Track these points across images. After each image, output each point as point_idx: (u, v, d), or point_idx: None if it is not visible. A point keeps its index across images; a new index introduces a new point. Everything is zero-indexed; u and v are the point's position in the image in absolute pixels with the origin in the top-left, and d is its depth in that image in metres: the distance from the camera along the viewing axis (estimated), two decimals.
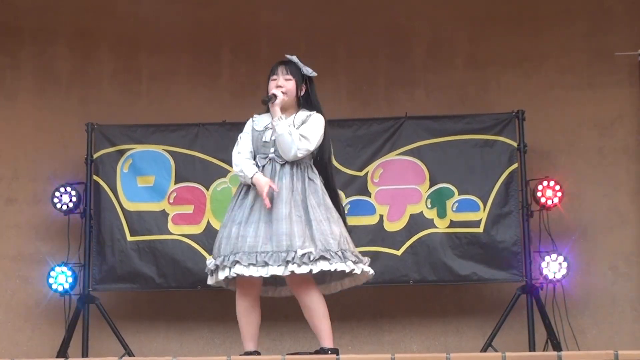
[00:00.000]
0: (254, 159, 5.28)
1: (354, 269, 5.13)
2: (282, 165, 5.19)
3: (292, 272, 5.00)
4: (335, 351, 5.06)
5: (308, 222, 5.10)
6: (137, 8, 7.82)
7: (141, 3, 7.85)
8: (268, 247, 5.03)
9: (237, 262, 5.01)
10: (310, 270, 5.01)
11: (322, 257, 5.02)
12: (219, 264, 5.09)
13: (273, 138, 5.22)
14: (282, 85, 5.24)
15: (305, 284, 5.11)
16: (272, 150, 5.22)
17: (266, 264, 5.00)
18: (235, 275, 5.04)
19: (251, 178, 5.16)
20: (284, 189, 5.12)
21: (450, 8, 7.78)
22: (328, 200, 5.22)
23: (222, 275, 5.09)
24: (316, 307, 5.12)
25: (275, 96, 5.19)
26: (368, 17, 7.79)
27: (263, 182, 5.11)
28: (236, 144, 5.37)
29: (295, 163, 5.20)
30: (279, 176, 5.17)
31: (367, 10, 7.79)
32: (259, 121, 5.35)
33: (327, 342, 5.14)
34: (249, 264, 5.00)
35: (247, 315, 5.20)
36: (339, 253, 5.08)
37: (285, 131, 5.12)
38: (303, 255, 4.99)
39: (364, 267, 5.21)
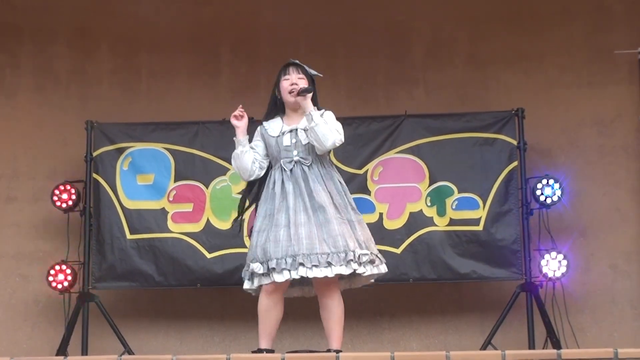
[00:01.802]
0: (272, 167, 5.35)
1: (385, 271, 5.35)
2: (310, 167, 5.27)
3: (354, 271, 5.12)
4: (338, 352, 5.08)
5: (351, 224, 5.23)
6: (137, 7, 7.82)
7: (141, 2, 7.85)
8: (326, 248, 5.10)
9: (301, 264, 5.06)
10: (364, 271, 5.17)
11: (371, 261, 5.22)
12: (275, 267, 5.09)
13: (294, 141, 5.29)
14: (297, 83, 5.31)
15: (332, 286, 5.21)
16: (295, 152, 5.29)
17: (330, 264, 5.08)
18: (298, 277, 5.09)
19: (237, 139, 5.35)
20: (321, 192, 5.21)
21: (450, 7, 7.78)
22: (350, 198, 5.36)
23: (281, 278, 5.09)
24: (336, 310, 5.23)
25: (307, 89, 5.26)
26: (368, 16, 7.80)
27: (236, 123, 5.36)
28: None
29: (320, 163, 5.29)
30: (311, 178, 5.24)
31: (366, 9, 7.79)
32: (271, 127, 5.40)
33: (337, 344, 5.22)
34: (312, 266, 5.07)
35: (267, 314, 5.22)
36: (379, 256, 5.31)
37: (322, 121, 5.21)
38: (360, 255, 5.14)
39: (384, 266, 5.37)
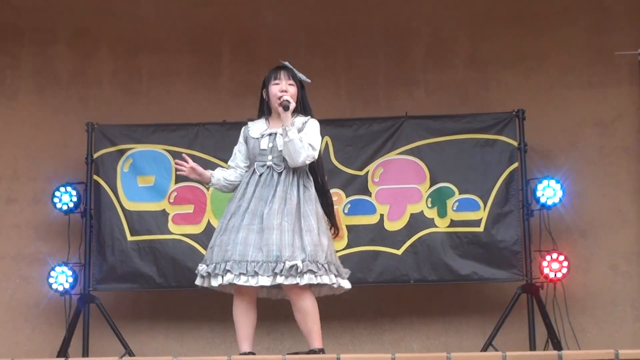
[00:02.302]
0: (249, 167, 5.31)
1: (334, 283, 5.16)
2: (280, 174, 5.21)
3: (279, 284, 5.05)
4: (322, 351, 5.11)
5: (299, 231, 5.12)
6: (137, 8, 7.82)
7: (141, 3, 7.84)
8: (259, 256, 5.05)
9: (228, 270, 5.04)
10: (297, 283, 5.04)
11: (310, 270, 5.04)
12: (211, 272, 5.10)
13: (271, 145, 5.25)
14: (286, 90, 5.26)
15: (300, 289, 5.11)
16: (269, 157, 5.25)
17: (256, 274, 5.02)
18: (227, 283, 5.07)
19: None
20: (277, 199, 5.14)
21: (450, 8, 7.78)
22: (320, 209, 5.25)
23: (215, 282, 5.11)
24: (310, 310, 5.14)
25: (289, 105, 5.20)
26: (368, 17, 7.79)
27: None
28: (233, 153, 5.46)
29: (293, 170, 5.22)
30: (276, 184, 5.18)
31: (367, 10, 7.79)
32: (253, 128, 5.37)
33: (318, 343, 5.18)
34: (240, 273, 5.02)
35: (243, 317, 5.21)
36: (325, 265, 5.11)
37: (296, 137, 5.14)
38: (291, 267, 5.02)
39: (342, 282, 5.22)
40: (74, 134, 7.52)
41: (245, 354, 5.19)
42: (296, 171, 5.23)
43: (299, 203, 5.17)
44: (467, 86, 7.69)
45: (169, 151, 7.35)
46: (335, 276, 5.16)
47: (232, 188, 5.38)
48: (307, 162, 5.21)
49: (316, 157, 5.23)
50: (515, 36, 7.70)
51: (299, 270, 5.02)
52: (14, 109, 7.75)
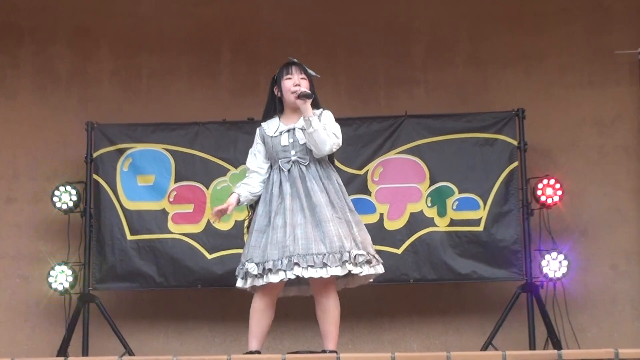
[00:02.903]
0: (271, 166, 5.37)
1: (383, 272, 5.34)
2: (307, 167, 5.28)
3: (349, 272, 5.13)
4: (334, 353, 5.09)
5: (348, 224, 5.23)
6: (137, 7, 7.82)
7: (141, 2, 7.84)
8: (322, 248, 5.10)
9: (296, 264, 5.07)
10: (361, 272, 5.16)
11: (367, 261, 5.20)
12: (272, 268, 5.10)
13: (292, 140, 5.30)
14: (299, 84, 5.31)
15: (329, 286, 5.21)
16: (292, 152, 5.30)
17: (325, 265, 5.08)
18: (294, 277, 5.09)
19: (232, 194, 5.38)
20: (318, 192, 5.22)
21: (450, 7, 7.78)
22: (348, 198, 5.37)
23: (276, 279, 5.10)
24: (333, 310, 5.22)
25: (308, 94, 5.27)
26: (368, 16, 7.79)
27: (227, 201, 5.37)
28: (248, 157, 5.48)
29: (319, 162, 5.29)
30: (309, 178, 5.25)
31: (367, 9, 7.79)
32: (269, 128, 5.41)
33: (332, 345, 5.21)
34: (308, 266, 5.07)
35: (261, 314, 5.24)
36: (376, 256, 5.29)
37: (320, 127, 5.21)
38: (356, 256, 5.13)
39: (381, 267, 5.36)
40: (73, 133, 7.52)
41: (251, 352, 5.20)
42: (322, 163, 5.32)
43: (337, 195, 5.28)
44: (467, 85, 7.69)
45: (168, 150, 7.35)
46: (379, 263, 5.32)
47: (259, 197, 5.42)
48: (334, 150, 5.29)
49: (340, 144, 5.34)
50: (515, 35, 7.70)
51: (361, 260, 5.15)
52: (14, 108, 7.75)
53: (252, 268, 5.16)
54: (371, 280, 5.38)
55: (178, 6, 7.85)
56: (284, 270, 5.09)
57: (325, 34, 7.78)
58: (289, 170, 5.28)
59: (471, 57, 7.74)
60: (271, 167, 5.40)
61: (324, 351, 5.17)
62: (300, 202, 5.20)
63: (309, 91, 5.28)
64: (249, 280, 5.20)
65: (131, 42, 7.82)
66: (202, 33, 7.83)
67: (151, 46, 7.81)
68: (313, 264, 5.06)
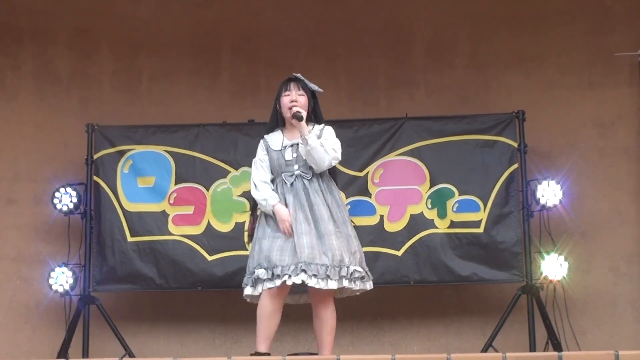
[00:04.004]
0: (274, 180, 5.44)
1: (372, 287, 5.45)
2: (310, 181, 5.37)
3: (344, 287, 5.25)
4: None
5: (348, 239, 5.33)
6: (137, 9, 7.82)
7: (141, 4, 7.84)
8: (325, 260, 5.21)
9: (303, 270, 5.15)
10: (353, 287, 5.30)
11: (361, 277, 5.32)
12: (280, 273, 5.18)
13: (295, 155, 5.40)
14: (296, 100, 5.41)
15: (327, 298, 5.31)
16: (296, 167, 5.39)
17: (327, 277, 5.19)
18: (300, 281, 5.15)
19: (273, 206, 5.34)
20: (321, 205, 5.32)
21: (451, 8, 7.77)
22: (347, 213, 5.48)
23: (287, 282, 5.18)
24: (330, 320, 5.35)
25: (300, 115, 5.36)
26: (368, 18, 7.79)
27: (284, 213, 5.31)
28: (254, 168, 5.50)
29: (320, 176, 5.39)
30: (312, 192, 5.34)
31: (367, 10, 7.79)
32: (272, 141, 5.49)
33: (327, 353, 5.32)
34: (312, 275, 5.16)
35: (269, 318, 5.31)
36: (368, 272, 5.41)
37: (317, 144, 5.32)
38: (353, 272, 5.26)
39: (371, 283, 5.46)
40: (74, 135, 7.52)
41: (261, 354, 5.27)
42: (324, 177, 5.42)
43: (338, 209, 5.37)
44: (467, 87, 7.69)
45: (169, 152, 7.35)
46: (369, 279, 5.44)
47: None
48: (333, 164, 5.41)
49: (340, 158, 5.45)
50: (516, 37, 7.70)
51: (356, 276, 5.27)
52: (14, 110, 7.75)
53: (262, 274, 5.25)
54: (358, 293, 5.48)
55: (178, 8, 7.86)
56: (291, 275, 5.18)
57: (325, 36, 7.78)
58: (291, 184, 5.38)
59: (471, 59, 7.75)
60: (273, 180, 5.49)
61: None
62: (304, 213, 5.30)
63: (301, 112, 5.36)
64: (259, 286, 5.27)
65: (132, 44, 7.82)
66: (202, 35, 7.83)
67: (151, 48, 7.81)
68: (317, 274, 5.17)
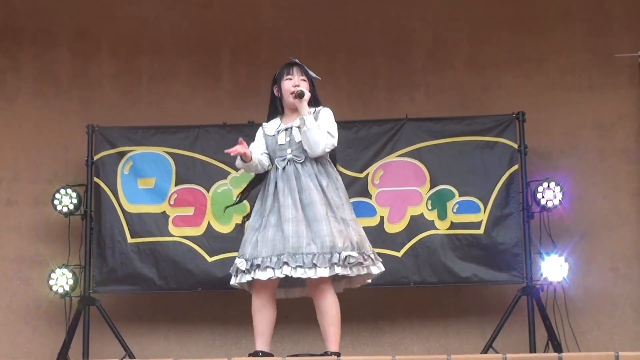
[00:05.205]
0: (272, 162, 5.36)
1: (381, 271, 5.29)
2: (303, 164, 5.26)
3: (337, 274, 5.08)
4: (337, 355, 5.08)
5: (345, 222, 5.18)
6: (137, 10, 7.82)
7: (141, 5, 7.85)
8: (313, 248, 5.07)
9: (285, 263, 5.05)
10: (349, 274, 5.12)
11: (359, 263, 5.14)
12: (260, 264, 5.08)
13: (288, 139, 5.31)
14: (299, 84, 5.32)
15: (324, 286, 5.16)
16: (288, 151, 5.29)
17: (314, 266, 5.05)
18: (282, 276, 5.06)
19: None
20: (313, 189, 5.19)
21: (450, 9, 7.78)
22: (347, 196, 5.33)
23: (263, 276, 5.08)
24: (330, 310, 5.17)
25: (304, 93, 5.27)
26: (368, 19, 7.80)
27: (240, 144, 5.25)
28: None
29: (315, 160, 5.27)
30: (303, 175, 5.23)
31: (367, 11, 7.79)
32: (268, 127, 5.44)
33: (334, 346, 5.17)
34: (297, 266, 5.04)
35: (259, 312, 5.22)
36: (372, 255, 5.24)
37: (314, 126, 5.21)
38: (347, 257, 5.08)
39: (381, 267, 5.32)
40: (74, 136, 7.52)
41: (257, 353, 5.21)
42: (318, 161, 5.28)
43: (333, 191, 5.23)
44: (467, 88, 7.70)
45: (169, 153, 7.35)
46: (375, 263, 5.26)
47: (260, 172, 5.39)
48: (327, 150, 5.27)
49: (335, 144, 5.32)
50: (515, 38, 7.70)
51: (351, 262, 5.10)
52: (15, 111, 7.75)
53: (241, 264, 5.16)
54: (369, 280, 5.34)
55: (178, 9, 7.86)
56: (273, 269, 5.07)
57: (325, 37, 7.78)
58: (284, 169, 5.28)
59: (471, 60, 7.75)
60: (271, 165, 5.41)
61: (325, 353, 5.14)
62: (292, 198, 5.17)
63: (305, 90, 5.29)
64: (239, 277, 5.18)
65: (132, 45, 7.82)
66: (202, 36, 7.84)
67: (152, 49, 7.82)
68: (302, 264, 5.04)
